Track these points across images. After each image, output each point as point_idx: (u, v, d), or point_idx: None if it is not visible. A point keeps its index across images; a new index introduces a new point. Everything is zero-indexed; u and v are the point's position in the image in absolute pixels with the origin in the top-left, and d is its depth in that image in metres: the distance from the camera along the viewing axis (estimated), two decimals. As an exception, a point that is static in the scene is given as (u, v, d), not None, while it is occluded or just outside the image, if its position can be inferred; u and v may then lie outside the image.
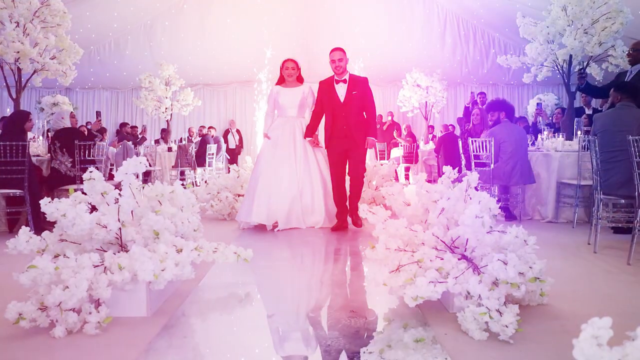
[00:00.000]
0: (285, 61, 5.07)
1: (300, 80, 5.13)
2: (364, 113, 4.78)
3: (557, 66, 6.36)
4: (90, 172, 2.49)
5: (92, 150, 5.12)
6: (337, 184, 4.84)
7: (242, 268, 3.30)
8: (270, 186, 4.85)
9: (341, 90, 4.70)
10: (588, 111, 7.25)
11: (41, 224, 4.42)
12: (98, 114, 7.02)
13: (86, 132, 5.41)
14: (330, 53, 4.68)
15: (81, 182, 4.74)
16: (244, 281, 3.25)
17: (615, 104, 4.13)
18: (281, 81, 5.10)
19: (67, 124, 5.25)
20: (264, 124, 5.20)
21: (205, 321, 2.50)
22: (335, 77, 4.70)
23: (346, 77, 4.72)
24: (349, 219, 4.91)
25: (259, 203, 4.78)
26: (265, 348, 2.22)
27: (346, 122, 4.69)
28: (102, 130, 7.12)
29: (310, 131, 5.00)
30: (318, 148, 5.08)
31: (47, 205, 2.30)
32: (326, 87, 4.77)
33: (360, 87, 4.70)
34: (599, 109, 6.18)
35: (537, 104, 8.45)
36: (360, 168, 4.84)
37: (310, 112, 5.12)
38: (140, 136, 10.83)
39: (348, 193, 4.91)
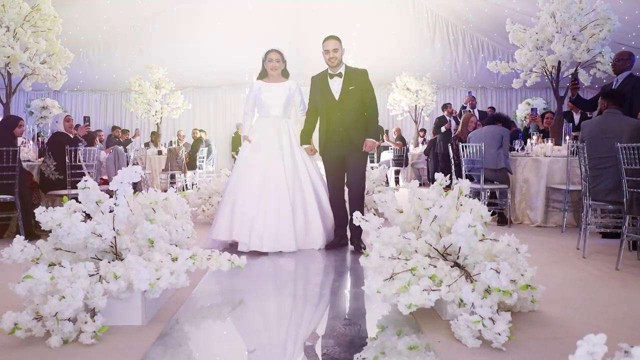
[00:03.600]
0: (268, 52, 4.38)
1: (285, 75, 4.51)
2: (364, 111, 4.22)
3: (546, 72, 6.45)
4: (85, 180, 2.49)
5: (79, 155, 5.06)
6: (335, 195, 4.30)
7: (235, 275, 3.32)
8: (254, 200, 4.15)
9: (336, 85, 4.14)
10: (576, 115, 7.35)
11: (32, 230, 4.41)
12: (85, 119, 6.96)
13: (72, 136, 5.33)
14: (324, 43, 4.13)
15: (72, 187, 4.72)
16: (238, 288, 3.25)
17: (602, 111, 4.20)
18: (263, 75, 4.46)
19: (59, 127, 5.21)
20: (243, 125, 4.59)
21: (200, 329, 2.50)
22: (329, 71, 4.17)
23: (341, 70, 4.16)
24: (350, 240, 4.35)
25: (240, 220, 4.09)
26: (260, 356, 2.24)
27: (343, 122, 4.14)
28: (92, 135, 7.03)
29: (306, 137, 4.42)
30: (312, 155, 4.46)
31: (42, 214, 2.30)
32: (319, 83, 4.22)
33: (358, 80, 4.14)
34: (589, 115, 6.27)
35: (532, 109, 8.53)
36: (359, 177, 4.23)
37: (297, 112, 4.59)
38: (128, 139, 10.77)
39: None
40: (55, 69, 5.72)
